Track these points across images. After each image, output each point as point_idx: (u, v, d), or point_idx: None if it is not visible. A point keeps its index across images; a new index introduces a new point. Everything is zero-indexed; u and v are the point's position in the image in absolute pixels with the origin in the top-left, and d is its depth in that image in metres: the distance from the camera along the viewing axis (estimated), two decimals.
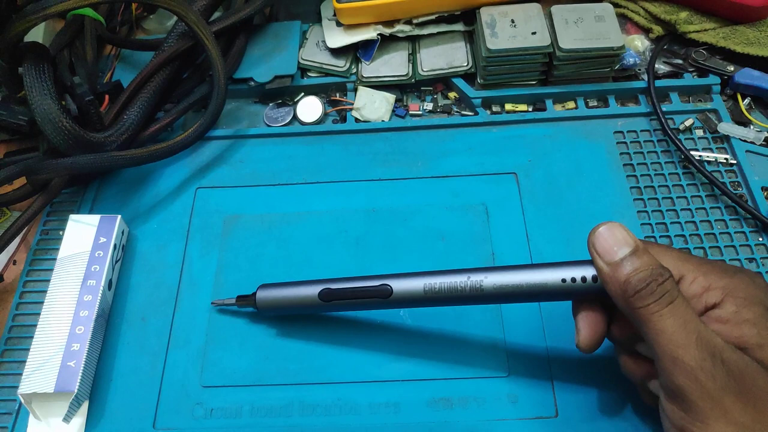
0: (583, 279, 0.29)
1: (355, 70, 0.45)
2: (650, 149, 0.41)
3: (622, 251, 0.26)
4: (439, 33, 0.45)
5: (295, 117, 0.44)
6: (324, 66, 0.45)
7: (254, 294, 0.34)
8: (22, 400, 0.31)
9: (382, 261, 0.37)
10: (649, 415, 0.31)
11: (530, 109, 0.43)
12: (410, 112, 0.44)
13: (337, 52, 0.45)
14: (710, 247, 0.37)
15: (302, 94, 0.45)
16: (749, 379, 0.23)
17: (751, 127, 0.41)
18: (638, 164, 0.40)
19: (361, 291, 0.32)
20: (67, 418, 0.32)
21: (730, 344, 0.24)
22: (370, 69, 0.44)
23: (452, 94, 0.45)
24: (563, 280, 0.29)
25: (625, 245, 0.26)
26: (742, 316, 0.25)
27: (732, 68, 0.43)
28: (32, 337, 0.33)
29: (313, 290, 0.33)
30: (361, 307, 0.33)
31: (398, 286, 0.31)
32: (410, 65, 0.44)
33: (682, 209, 0.38)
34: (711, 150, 0.41)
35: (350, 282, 0.33)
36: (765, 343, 0.24)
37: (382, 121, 0.43)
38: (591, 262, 0.28)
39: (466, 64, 0.43)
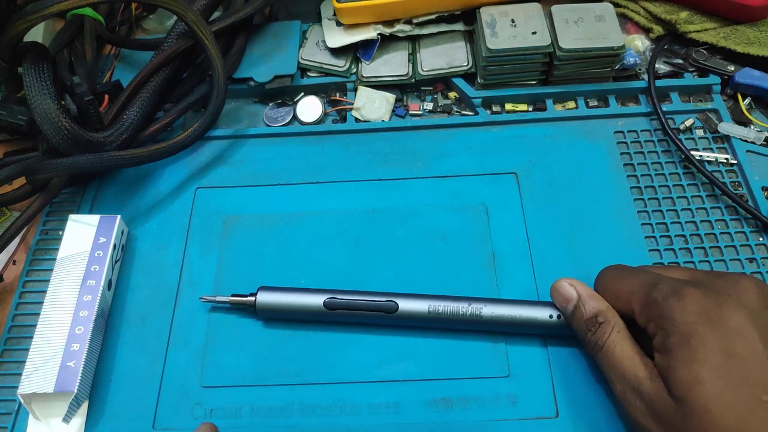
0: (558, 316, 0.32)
1: (355, 70, 0.45)
2: (650, 149, 0.41)
3: (570, 306, 0.31)
4: (439, 33, 0.45)
5: (295, 117, 0.44)
6: (324, 66, 0.45)
7: (253, 295, 0.34)
8: (22, 401, 0.31)
9: (382, 261, 0.37)
10: None
11: (530, 109, 0.43)
12: (410, 112, 0.44)
13: (337, 52, 0.45)
14: (710, 247, 0.37)
15: (302, 93, 0.45)
16: (659, 407, 0.26)
17: (752, 127, 0.41)
18: (638, 164, 0.40)
19: (367, 304, 0.33)
20: (66, 419, 0.32)
21: (654, 373, 0.27)
22: (370, 69, 0.44)
23: (452, 94, 0.45)
24: (551, 316, 0.32)
25: (570, 301, 0.31)
26: (665, 347, 0.27)
27: (732, 68, 0.43)
28: (32, 337, 0.33)
29: (318, 299, 0.33)
30: (364, 319, 0.34)
31: (404, 303, 0.33)
32: (410, 65, 0.44)
33: (682, 209, 0.38)
34: (711, 150, 0.41)
35: (356, 294, 0.33)
36: (670, 376, 0.26)
37: (382, 121, 0.43)
38: None
39: (466, 63, 0.43)
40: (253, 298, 0.34)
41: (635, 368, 0.28)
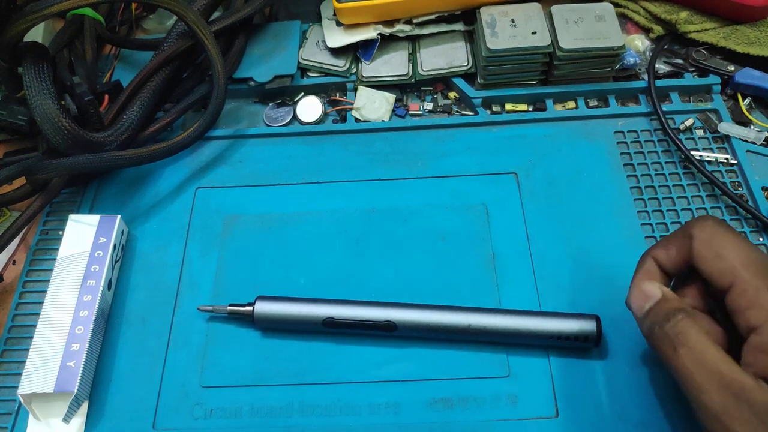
0: (577, 337, 0.32)
1: (355, 70, 0.45)
2: (650, 149, 0.41)
3: (647, 305, 0.27)
4: (439, 33, 0.45)
5: (295, 117, 0.44)
6: (324, 66, 0.45)
7: (251, 305, 0.34)
8: (22, 401, 0.31)
9: (382, 261, 0.37)
10: (650, 416, 0.31)
11: (530, 109, 0.43)
12: (410, 112, 0.44)
13: (337, 52, 0.45)
14: None
15: (302, 93, 0.45)
16: None
17: (752, 127, 0.41)
18: (638, 164, 0.40)
19: (365, 324, 0.33)
20: (66, 419, 0.32)
21: (761, 380, 0.23)
22: (370, 69, 0.44)
23: (452, 94, 0.45)
24: (550, 337, 0.32)
25: (649, 300, 0.27)
26: None
27: (732, 68, 0.43)
28: (32, 337, 0.33)
29: (317, 315, 0.33)
30: (364, 336, 0.34)
31: (402, 321, 0.33)
32: (410, 65, 0.44)
33: (682, 209, 0.38)
34: (711, 150, 0.41)
35: (354, 308, 0.33)
36: None
37: (382, 121, 0.43)
38: (585, 315, 0.32)
39: (466, 63, 0.43)
40: (251, 308, 0.34)
41: (737, 374, 0.23)
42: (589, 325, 0.32)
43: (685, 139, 0.41)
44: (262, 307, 0.34)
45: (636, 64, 0.43)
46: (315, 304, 0.34)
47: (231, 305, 0.34)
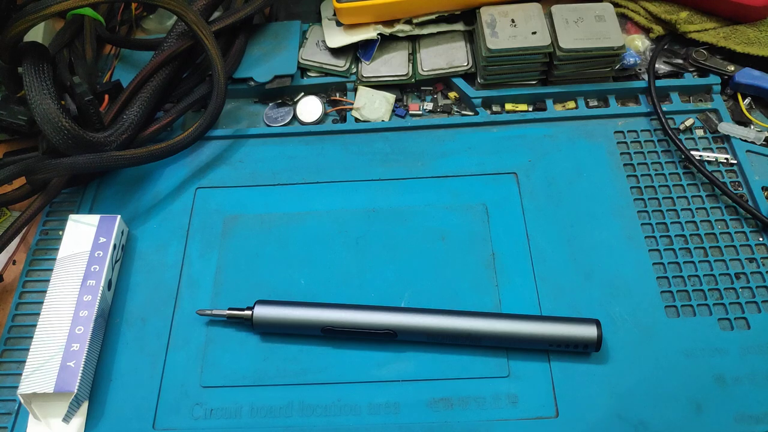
0: (577, 345, 0.32)
1: (355, 70, 0.45)
2: (650, 149, 0.41)
3: None
4: (439, 33, 0.45)
5: (295, 117, 0.44)
6: (324, 66, 0.45)
7: (250, 309, 0.34)
8: (22, 401, 0.31)
9: (382, 261, 0.37)
10: (650, 416, 0.31)
11: (530, 109, 0.43)
12: (410, 112, 0.44)
13: (337, 52, 0.45)
14: (710, 247, 0.37)
15: (302, 93, 0.45)
16: None
17: (752, 126, 0.41)
18: (638, 164, 0.40)
19: (365, 333, 0.33)
20: (66, 419, 0.32)
21: None
22: (370, 69, 0.44)
23: (452, 94, 0.45)
24: (551, 344, 0.32)
25: None
26: None
27: (732, 68, 0.43)
28: (32, 337, 0.33)
29: (316, 322, 0.33)
30: (363, 342, 0.34)
31: (403, 329, 0.33)
32: (410, 65, 0.44)
33: (682, 209, 0.38)
34: (711, 150, 0.41)
35: (354, 314, 0.33)
36: None
37: (382, 121, 0.43)
38: (585, 321, 0.32)
39: (466, 63, 0.43)
40: (249, 312, 0.34)
41: None
42: (589, 331, 0.32)
43: (685, 139, 0.41)
44: (261, 312, 0.34)
45: (636, 64, 0.43)
46: (314, 309, 0.34)
47: (230, 309, 0.34)
